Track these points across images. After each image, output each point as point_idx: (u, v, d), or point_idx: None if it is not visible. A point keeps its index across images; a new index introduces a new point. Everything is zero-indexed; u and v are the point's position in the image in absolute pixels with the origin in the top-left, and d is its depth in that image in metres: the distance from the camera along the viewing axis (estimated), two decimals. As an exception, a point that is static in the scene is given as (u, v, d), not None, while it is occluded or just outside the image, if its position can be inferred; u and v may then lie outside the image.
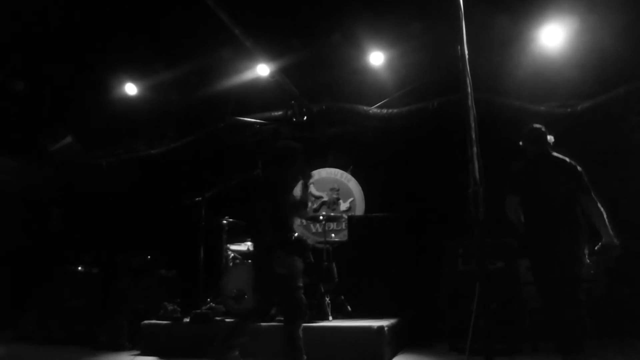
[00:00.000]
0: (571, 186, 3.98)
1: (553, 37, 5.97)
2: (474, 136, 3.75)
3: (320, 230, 7.23)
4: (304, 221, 7.57)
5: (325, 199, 7.58)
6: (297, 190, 4.97)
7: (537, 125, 4.40)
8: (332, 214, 6.97)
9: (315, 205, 7.61)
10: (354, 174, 7.53)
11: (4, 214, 7.38)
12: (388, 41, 6.37)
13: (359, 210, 7.38)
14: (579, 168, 4.09)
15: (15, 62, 6.68)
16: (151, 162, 8.11)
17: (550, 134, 4.36)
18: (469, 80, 3.88)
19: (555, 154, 4.25)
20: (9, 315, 6.56)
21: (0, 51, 6.37)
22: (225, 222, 6.07)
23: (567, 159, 4.19)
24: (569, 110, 6.34)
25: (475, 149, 3.71)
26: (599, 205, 3.91)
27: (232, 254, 6.01)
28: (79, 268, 6.40)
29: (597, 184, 4.10)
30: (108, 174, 8.22)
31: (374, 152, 7.18)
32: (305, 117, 7.11)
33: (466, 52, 3.98)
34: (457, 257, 5.39)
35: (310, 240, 7.07)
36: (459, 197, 5.72)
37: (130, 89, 7.36)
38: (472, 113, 3.80)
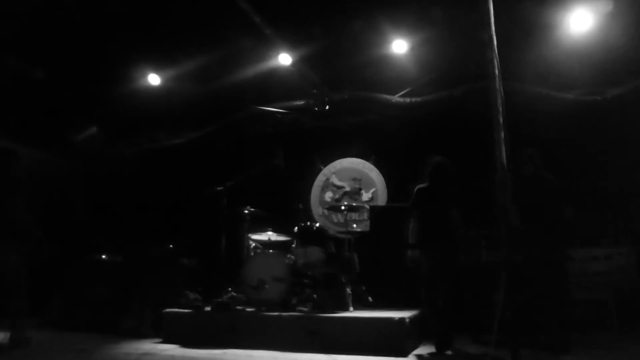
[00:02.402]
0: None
1: (582, 22, 5.80)
2: (501, 120, 3.68)
3: (341, 220, 7.29)
4: (325, 211, 7.58)
5: (347, 189, 7.59)
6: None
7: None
8: (354, 204, 6.96)
9: (336, 196, 7.62)
10: (376, 164, 7.53)
11: (31, 203, 7.48)
12: (411, 28, 6.30)
13: (381, 200, 7.36)
14: None
15: (40, 53, 6.73)
16: (173, 152, 8.17)
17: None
18: (496, 62, 3.79)
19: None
20: (35, 303, 6.67)
21: (25, 42, 6.42)
22: (246, 211, 6.07)
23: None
24: (598, 97, 6.16)
25: (502, 134, 3.63)
26: None
27: (253, 244, 6.03)
28: (103, 257, 6.45)
29: (629, 172, 4.02)
30: (131, 164, 8.32)
31: (397, 141, 7.13)
32: (326, 106, 7.10)
33: (494, 36, 3.89)
34: (480, 248, 5.30)
35: (332, 230, 7.08)
36: (483, 185, 5.67)
37: (154, 79, 7.39)
38: (500, 95, 3.72)
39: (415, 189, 4.90)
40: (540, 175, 4.62)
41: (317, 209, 7.72)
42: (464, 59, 6.22)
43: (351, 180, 7.59)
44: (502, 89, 3.81)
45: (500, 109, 3.79)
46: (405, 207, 5.52)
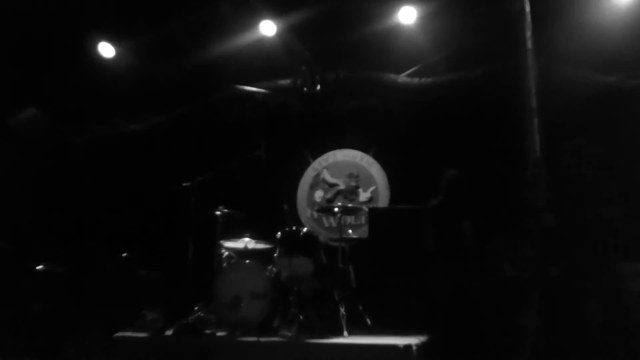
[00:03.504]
0: None
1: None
2: (534, 104, 3.58)
3: (334, 224, 7.27)
4: (315, 213, 7.55)
5: (342, 187, 7.55)
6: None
7: None
8: (349, 205, 6.88)
9: (329, 195, 7.59)
10: (376, 157, 7.52)
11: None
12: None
13: (383, 201, 7.34)
14: None
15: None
16: (132, 140, 8.10)
17: None
18: (529, 34, 3.68)
19: None
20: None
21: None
22: (219, 213, 6.05)
23: None
24: (647, 82, 6.15)
25: (535, 121, 3.53)
26: None
27: (227, 252, 5.97)
28: (42, 267, 6.29)
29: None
30: (80, 154, 8.21)
31: (403, 130, 7.11)
32: (318, 87, 7.09)
33: (527, 5, 3.78)
34: (504, 260, 5.26)
35: (323, 237, 7.00)
36: (508, 184, 5.61)
37: (106, 50, 7.21)
38: (533, 76, 3.61)
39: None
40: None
41: (305, 211, 7.68)
42: (486, 32, 6.20)
43: (346, 177, 7.57)
44: (535, 69, 3.73)
45: (534, 90, 3.70)
46: (414, 209, 5.49)
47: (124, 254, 6.47)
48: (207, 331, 5.26)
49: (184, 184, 5.95)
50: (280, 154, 7.04)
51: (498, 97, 6.30)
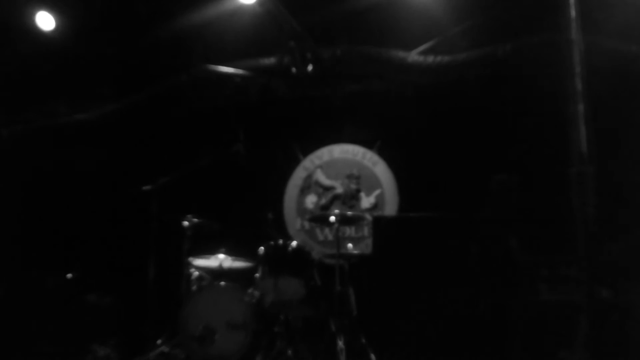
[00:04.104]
0: None
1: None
2: (579, 87, 3.56)
3: (330, 237, 7.30)
4: (305, 224, 7.54)
5: (339, 190, 7.57)
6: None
7: None
8: (349, 213, 6.63)
9: (323, 201, 7.60)
10: (382, 154, 7.55)
11: None
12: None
13: (390, 207, 7.36)
14: None
15: None
16: (76, 133, 8.08)
17: None
18: (573, 4, 3.66)
19: None
20: None
21: None
22: (187, 223, 6.03)
23: None
24: None
25: (581, 107, 3.51)
26: None
27: (197, 272, 5.95)
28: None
29: None
30: (11, 149, 8.13)
31: (414, 120, 7.14)
32: (310, 67, 6.95)
33: None
34: (539, 281, 5.28)
35: (316, 252, 6.78)
36: (545, 186, 5.60)
37: (45, 21, 7.12)
38: (579, 52, 3.59)
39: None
40: None
41: (294, 221, 7.69)
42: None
43: (345, 178, 7.58)
44: (580, 44, 3.73)
45: (579, 70, 3.69)
46: (430, 219, 5.48)
47: (68, 275, 6.45)
48: (173, 370, 5.24)
49: (143, 187, 5.93)
50: (262, 150, 7.03)
51: (533, 79, 6.33)
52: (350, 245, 6.80)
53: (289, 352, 5.10)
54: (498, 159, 6.51)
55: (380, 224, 6.19)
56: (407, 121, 7.19)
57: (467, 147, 6.77)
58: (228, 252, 5.93)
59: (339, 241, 6.00)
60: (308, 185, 7.72)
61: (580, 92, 3.57)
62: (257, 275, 5.70)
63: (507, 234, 5.94)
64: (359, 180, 7.52)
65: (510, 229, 5.99)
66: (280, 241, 5.86)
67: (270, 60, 7.40)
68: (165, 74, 7.79)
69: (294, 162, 7.83)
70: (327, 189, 7.60)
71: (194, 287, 5.84)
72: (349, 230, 7.27)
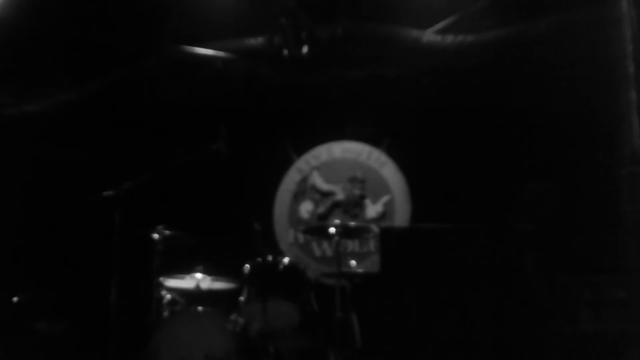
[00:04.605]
0: None
1: None
2: (631, 72, 3.53)
3: (330, 253, 7.31)
4: (300, 237, 7.54)
5: (340, 196, 7.58)
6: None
7: None
8: (351, 223, 6.68)
9: (321, 209, 7.60)
10: (391, 153, 7.56)
11: None
12: None
13: (401, 217, 7.38)
14: None
15: None
16: (24, 127, 8.03)
17: None
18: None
19: None
20: None
21: None
22: (157, 236, 5.98)
23: None
24: None
25: (633, 95, 3.48)
26: None
27: (170, 295, 5.89)
28: None
29: None
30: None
31: (430, 114, 7.14)
32: (305, 49, 6.97)
33: None
34: (580, 305, 5.32)
35: (313, 271, 6.85)
36: (587, 193, 5.57)
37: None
38: (630, 30, 3.57)
39: None
40: None
41: (286, 233, 7.70)
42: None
43: (347, 182, 7.59)
44: (633, 20, 3.71)
45: (630, 51, 3.68)
46: (450, 230, 5.44)
47: (14, 298, 6.42)
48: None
49: (105, 193, 5.78)
50: (248, 148, 7.04)
51: (572, 64, 6.30)
52: (353, 262, 6.71)
53: (281, 390, 5.12)
54: (530, 161, 6.53)
55: (389, 237, 6.17)
56: (422, 114, 7.19)
57: (493, 146, 6.80)
58: (207, 271, 5.91)
59: (340, 257, 5.98)
60: (303, 191, 7.72)
61: (632, 77, 3.55)
62: (241, 298, 5.65)
63: (542, 250, 5.92)
64: (364, 184, 7.53)
65: (545, 244, 5.97)
66: (270, 257, 5.81)
67: (257, 41, 7.38)
68: (131, 57, 7.72)
69: (286, 163, 7.82)
70: (326, 194, 7.60)
71: (166, 313, 5.76)
72: (352, 245, 7.28)
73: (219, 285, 6.02)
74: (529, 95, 6.70)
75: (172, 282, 5.96)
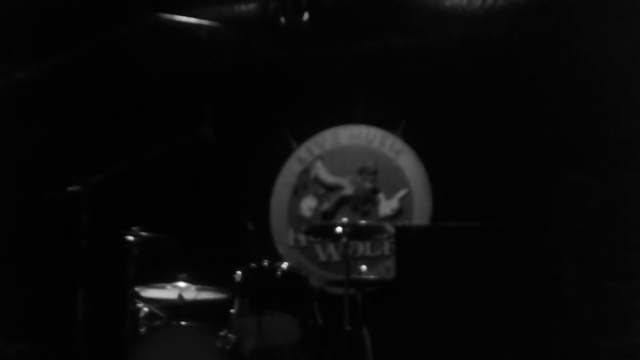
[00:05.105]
0: None
1: None
2: None
3: (336, 257, 7.31)
4: (301, 238, 7.56)
5: (348, 191, 7.57)
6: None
7: None
8: (361, 222, 6.81)
9: (326, 205, 7.60)
10: (408, 139, 7.52)
11: None
12: None
13: (420, 214, 7.38)
14: None
15: None
16: None
17: None
18: None
19: None
20: None
21: None
22: (132, 238, 5.96)
23: None
24: None
25: None
26: None
27: (147, 308, 5.88)
28: None
29: None
30: None
31: (454, 92, 7.16)
32: (306, 16, 7.05)
33: None
34: (630, 318, 5.37)
35: (316, 278, 7.02)
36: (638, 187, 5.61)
37: None
38: None
39: None
40: None
41: (284, 234, 7.70)
42: None
43: (357, 174, 7.57)
44: None
45: None
46: (478, 229, 5.45)
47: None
48: None
49: (70, 188, 5.84)
50: (239, 134, 7.11)
51: (626, 28, 6.29)
52: (364, 267, 6.69)
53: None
54: (572, 150, 6.53)
55: (406, 238, 6.21)
56: (445, 93, 7.20)
57: (529, 131, 6.79)
58: (191, 279, 5.90)
59: (349, 262, 6.01)
60: (304, 184, 7.73)
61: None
62: (232, 311, 5.65)
63: (586, 253, 5.94)
64: (376, 176, 7.50)
65: (589, 246, 5.99)
66: (266, 263, 5.83)
67: (249, 7, 7.37)
68: (100, 26, 7.59)
69: (285, 152, 7.82)
70: (331, 188, 7.60)
71: (143, 329, 5.73)
72: (363, 247, 7.27)
73: (206, 295, 6.02)
74: (572, 71, 6.69)
75: (151, 293, 5.98)
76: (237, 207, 6.91)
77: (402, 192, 7.44)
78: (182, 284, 5.89)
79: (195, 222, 6.46)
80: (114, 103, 7.78)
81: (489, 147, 6.92)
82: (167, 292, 5.98)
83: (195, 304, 5.99)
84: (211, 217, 6.78)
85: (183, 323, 5.61)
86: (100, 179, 5.87)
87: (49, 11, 7.61)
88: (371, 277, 6.58)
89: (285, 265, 5.94)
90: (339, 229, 6.01)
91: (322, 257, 7.51)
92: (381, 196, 7.47)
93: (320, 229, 6.82)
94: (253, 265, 5.77)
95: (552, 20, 6.83)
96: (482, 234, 5.93)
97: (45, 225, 6.50)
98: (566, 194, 5.68)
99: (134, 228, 5.94)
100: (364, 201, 7.48)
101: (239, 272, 5.72)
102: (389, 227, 6.89)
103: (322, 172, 7.61)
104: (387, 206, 7.42)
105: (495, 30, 7.02)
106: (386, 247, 7.15)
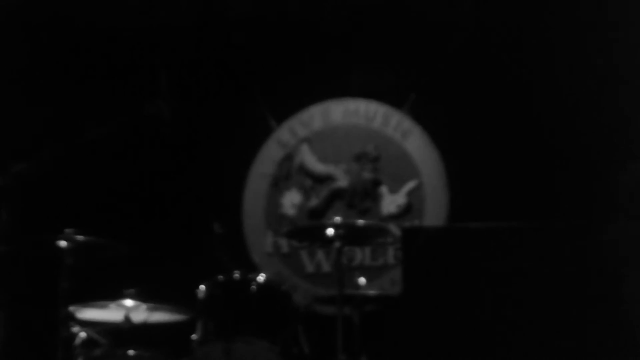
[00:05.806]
0: None
1: None
2: None
3: (327, 267, 7.34)
4: (283, 243, 7.57)
5: (342, 182, 7.60)
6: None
7: None
8: (359, 222, 6.74)
9: (314, 201, 7.63)
10: (418, 117, 7.54)
11: None
12: None
13: (434, 212, 7.41)
14: None
15: None
16: None
17: None
18: None
19: None
20: None
21: None
22: (66, 243, 5.89)
23: None
24: None
25: None
26: None
27: (84, 333, 5.84)
28: None
29: None
30: None
31: (474, 58, 7.22)
32: None
33: None
34: None
35: (302, 294, 7.01)
36: None
37: None
38: None
39: None
40: None
41: (260, 237, 7.73)
42: None
43: (353, 161, 7.61)
44: None
45: None
46: (506, 230, 5.43)
47: None
48: None
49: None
50: (203, 109, 7.13)
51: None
52: (362, 280, 6.65)
53: None
54: (625, 133, 6.52)
55: (417, 242, 6.13)
56: (462, 59, 7.25)
57: (570, 106, 6.84)
58: (141, 296, 5.89)
59: (343, 274, 6.01)
60: (286, 174, 7.75)
61: None
62: (194, 336, 5.66)
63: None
64: (378, 164, 7.53)
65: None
66: (237, 275, 5.84)
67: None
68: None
69: (262, 133, 7.83)
70: (321, 180, 7.63)
71: (80, 359, 5.77)
72: (361, 255, 7.30)
73: (160, 317, 6.04)
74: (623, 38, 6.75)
75: (89, 314, 5.96)
76: (201, 204, 6.91)
77: (410, 185, 7.47)
78: (129, 302, 5.86)
79: (147, 224, 6.44)
80: (42, 70, 7.72)
81: (520, 127, 6.95)
82: (110, 313, 5.96)
83: (147, 327, 6.01)
84: (167, 218, 6.79)
85: (130, 352, 5.64)
86: (23, 168, 5.77)
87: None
88: (371, 292, 6.55)
89: (261, 277, 5.92)
90: (330, 231, 6.00)
91: (309, 268, 7.53)
92: (384, 189, 7.50)
93: (307, 231, 6.77)
94: (220, 277, 5.77)
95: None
96: (513, 237, 5.91)
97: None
98: (622, 185, 5.68)
99: (67, 231, 5.86)
100: (363, 196, 7.51)
101: (202, 287, 5.71)
102: (394, 229, 6.79)
103: (309, 159, 7.62)
104: (391, 202, 7.45)
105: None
106: (390, 255, 7.18)
